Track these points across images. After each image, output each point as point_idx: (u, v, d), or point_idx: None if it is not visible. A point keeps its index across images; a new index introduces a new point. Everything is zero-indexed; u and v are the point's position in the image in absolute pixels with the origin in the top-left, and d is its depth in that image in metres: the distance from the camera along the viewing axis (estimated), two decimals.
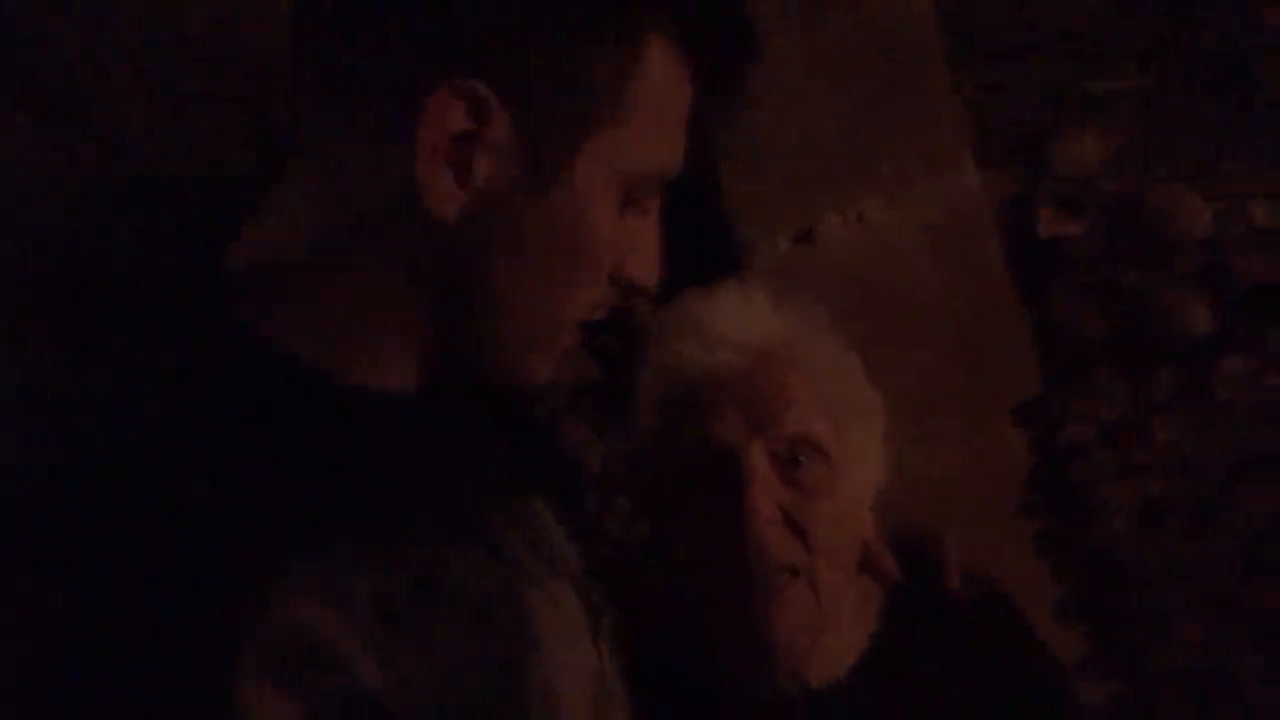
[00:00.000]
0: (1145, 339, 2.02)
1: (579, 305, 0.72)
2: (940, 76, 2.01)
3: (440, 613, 0.63)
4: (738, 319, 1.02)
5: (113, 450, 0.60)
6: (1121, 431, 1.97)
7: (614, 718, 0.78)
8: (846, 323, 1.96)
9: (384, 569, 0.61)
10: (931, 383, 1.96)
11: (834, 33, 1.98)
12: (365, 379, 0.68)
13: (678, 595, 1.11)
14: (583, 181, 0.67)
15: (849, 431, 1.01)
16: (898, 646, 1.06)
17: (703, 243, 2.00)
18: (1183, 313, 2.01)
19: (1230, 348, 1.99)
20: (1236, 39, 2.48)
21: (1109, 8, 2.46)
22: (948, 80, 2.01)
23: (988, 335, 2.00)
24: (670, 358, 1.02)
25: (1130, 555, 1.92)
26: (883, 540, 1.07)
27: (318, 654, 0.56)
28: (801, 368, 1.00)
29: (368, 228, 0.66)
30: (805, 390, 0.99)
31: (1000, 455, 1.99)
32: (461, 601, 0.65)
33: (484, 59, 0.64)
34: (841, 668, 1.05)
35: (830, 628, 1.02)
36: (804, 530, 0.97)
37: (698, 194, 2.03)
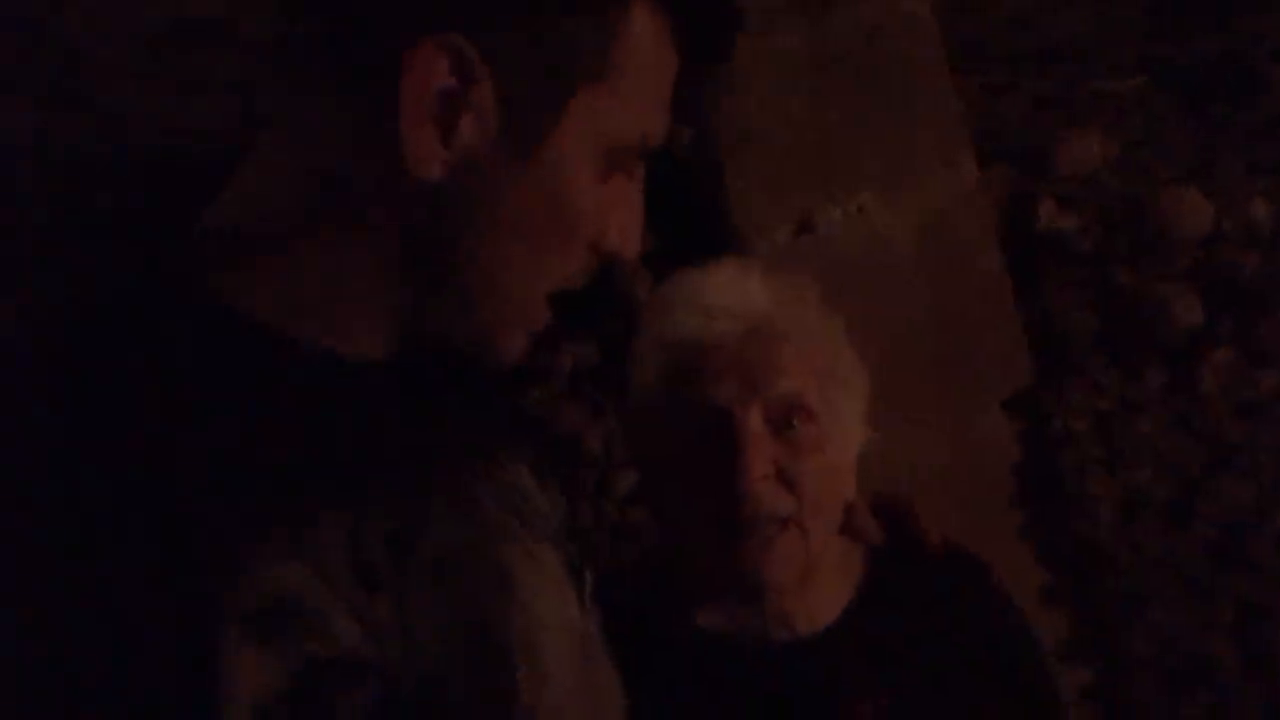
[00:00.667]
0: (1136, 333, 2.07)
1: (557, 274, 0.70)
2: (940, 74, 2.06)
3: (417, 572, 0.62)
4: (733, 291, 1.07)
5: (82, 417, 0.58)
6: (1109, 423, 2.02)
7: (598, 674, 0.78)
8: (842, 313, 2.03)
9: (360, 531, 0.60)
10: (924, 373, 2.01)
11: (837, 28, 2.03)
12: (338, 346, 0.67)
13: (672, 557, 1.16)
14: (565, 145, 0.66)
15: (836, 395, 1.07)
16: (878, 604, 1.12)
17: (702, 233, 2.06)
18: (1171, 307, 2.06)
19: (1218, 342, 2.04)
20: (1237, 41, 2.52)
21: (1110, 10, 2.51)
22: (947, 78, 2.06)
23: (981, 328, 2.05)
24: (669, 327, 1.07)
25: (1113, 543, 1.97)
26: (863, 504, 1.13)
27: (297, 616, 0.56)
28: (792, 336, 1.05)
29: (345, 191, 0.66)
30: (796, 357, 1.05)
31: (990, 445, 2.04)
32: (439, 560, 0.64)
33: (466, 16, 0.63)
34: (824, 620, 1.10)
35: (816, 578, 1.08)
36: (795, 484, 1.03)
37: (697, 184, 2.08)
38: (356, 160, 0.66)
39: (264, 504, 0.58)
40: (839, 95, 2.04)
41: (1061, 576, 1.97)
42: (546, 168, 0.66)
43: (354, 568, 0.59)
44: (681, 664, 1.10)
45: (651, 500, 1.14)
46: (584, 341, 2.15)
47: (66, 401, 0.59)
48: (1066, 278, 2.13)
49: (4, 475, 0.58)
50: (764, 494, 1.02)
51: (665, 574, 1.16)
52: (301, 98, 0.68)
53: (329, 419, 0.64)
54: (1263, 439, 1.98)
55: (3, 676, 0.53)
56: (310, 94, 0.67)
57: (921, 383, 2.01)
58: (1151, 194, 2.30)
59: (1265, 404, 2.01)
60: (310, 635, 0.56)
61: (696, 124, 2.13)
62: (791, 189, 2.03)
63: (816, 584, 1.09)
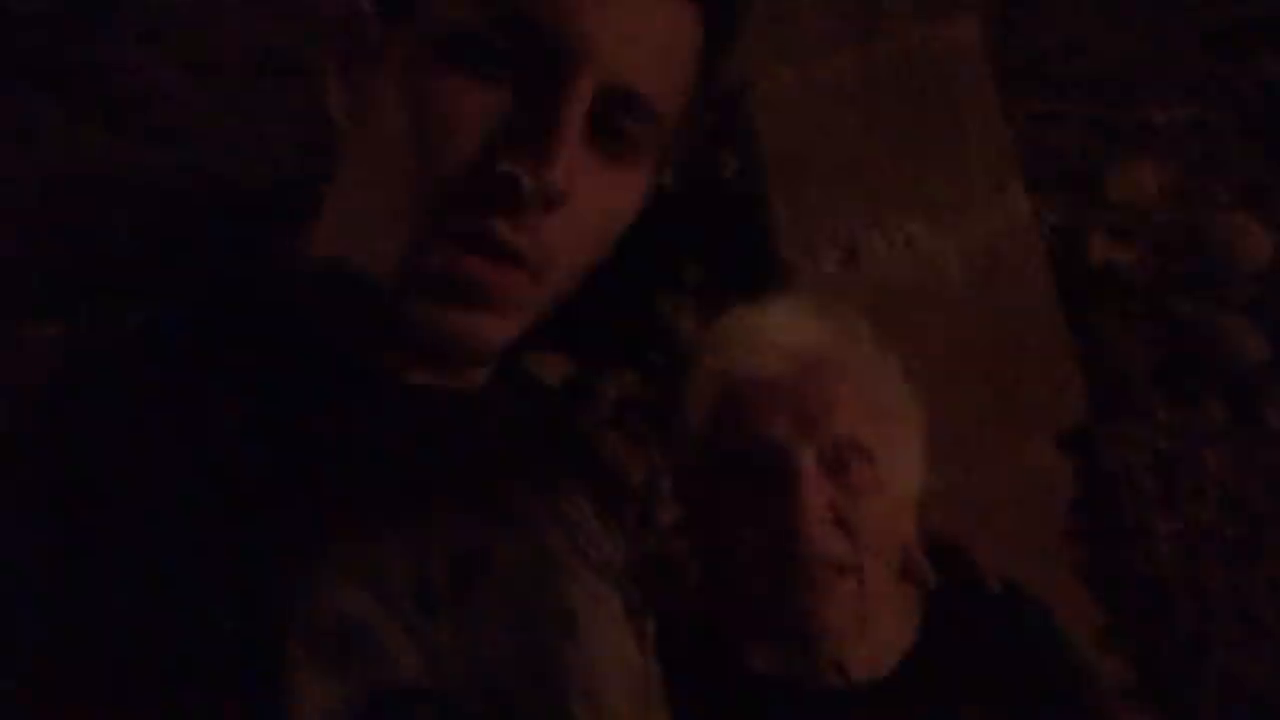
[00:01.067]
0: (1196, 367, 2.01)
1: (447, 206, 0.62)
2: (989, 101, 2.02)
3: (480, 602, 0.63)
4: (786, 329, 1.05)
5: (169, 435, 0.59)
6: (1170, 460, 1.96)
7: (656, 717, 0.78)
8: (889, 345, 1.99)
9: (425, 558, 0.61)
10: (975, 406, 1.96)
11: (884, 55, 2.00)
12: (410, 374, 0.67)
13: (719, 598, 1.12)
14: (414, 47, 0.62)
15: (892, 435, 1.04)
16: (938, 650, 1.08)
17: (748, 262, 2.02)
18: (1235, 341, 2.00)
19: None
20: None
21: (1168, 38, 2.47)
22: (996, 105, 2.02)
23: (1033, 361, 2.00)
24: (722, 364, 1.05)
25: (1177, 584, 1.91)
26: (920, 547, 1.09)
27: (360, 640, 0.56)
28: (847, 374, 1.03)
29: None
30: (851, 396, 1.02)
31: (1045, 481, 1.98)
32: (502, 592, 0.64)
33: None
34: (884, 667, 1.07)
35: (873, 624, 1.04)
36: (852, 529, 1.00)
37: (743, 213, 2.05)
38: None
39: (332, 526, 0.58)
40: (886, 122, 2.00)
41: (1121, 617, 1.91)
42: (402, 70, 0.64)
43: (417, 593, 0.59)
44: (733, 709, 1.06)
45: (701, 540, 1.10)
46: (627, 372, 2.12)
47: (150, 420, 0.59)
48: (1122, 310, 2.08)
49: (92, 487, 0.57)
50: (820, 538, 0.99)
51: (714, 614, 1.12)
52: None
53: (398, 444, 0.64)
54: None
55: (68, 685, 0.53)
56: None
57: (972, 416, 1.96)
58: (1208, 223, 2.25)
59: None
60: (372, 661, 0.56)
61: (743, 152, 2.10)
62: (838, 217, 1.99)
63: (874, 630, 1.05)
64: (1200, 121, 2.59)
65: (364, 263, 0.64)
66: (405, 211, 0.62)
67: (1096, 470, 1.96)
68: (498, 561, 0.65)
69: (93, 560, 0.54)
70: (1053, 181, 2.32)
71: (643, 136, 0.64)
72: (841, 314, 1.09)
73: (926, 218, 2.01)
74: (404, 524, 0.61)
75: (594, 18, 0.60)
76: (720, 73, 0.70)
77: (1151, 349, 2.04)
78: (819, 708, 1.05)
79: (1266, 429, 1.96)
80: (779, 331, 1.04)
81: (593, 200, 0.63)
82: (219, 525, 0.56)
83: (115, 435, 0.58)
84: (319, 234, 0.69)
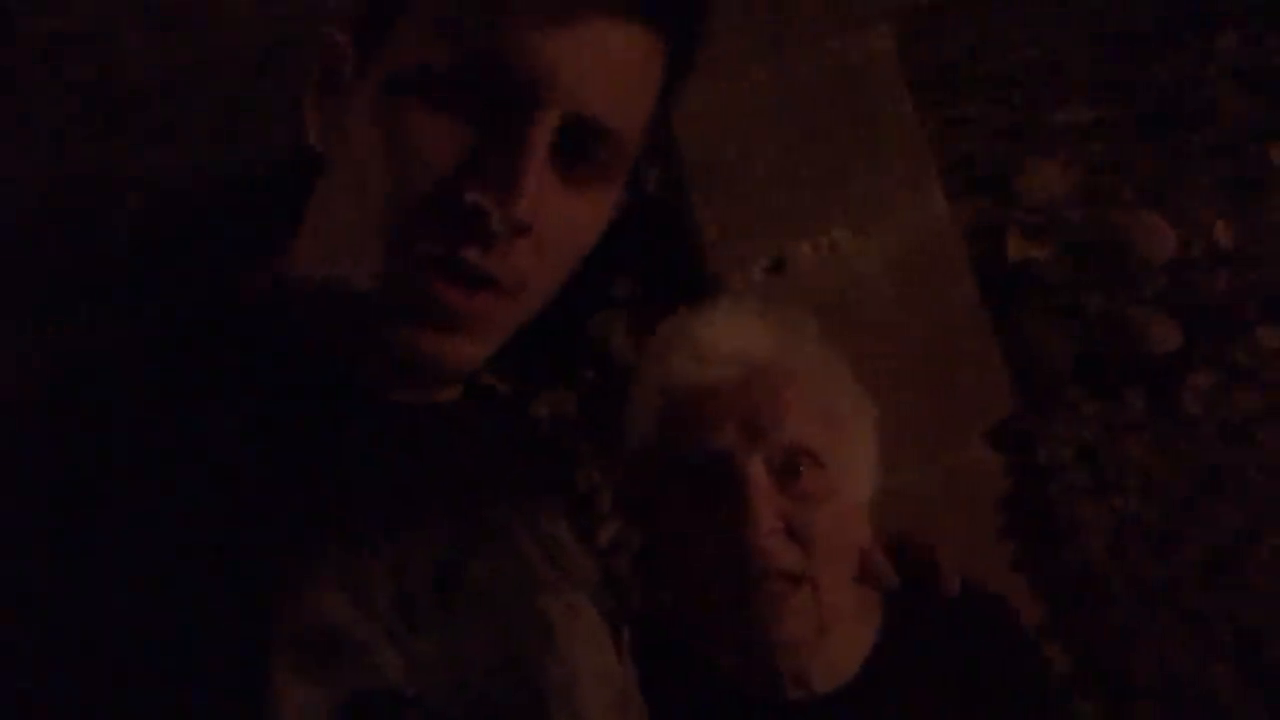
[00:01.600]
0: (1114, 359, 2.06)
1: (418, 233, 0.63)
2: (906, 108, 2.06)
3: (460, 613, 0.64)
4: (729, 333, 1.03)
5: (156, 445, 0.60)
6: (1095, 451, 2.00)
7: None
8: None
9: (406, 569, 0.62)
10: (905, 408, 1.98)
11: (803, 66, 2.02)
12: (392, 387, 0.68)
13: (672, 610, 1.11)
14: (386, 81, 0.64)
15: (844, 439, 1.03)
16: (899, 651, 1.07)
17: (675, 274, 2.03)
18: (1150, 332, 2.05)
19: (1197, 365, 2.03)
20: (1191, 67, 2.55)
21: (1067, 42, 2.53)
22: (913, 112, 2.06)
23: (959, 360, 2.03)
24: (664, 374, 1.03)
25: (1106, 572, 1.95)
26: (878, 548, 1.09)
27: (344, 647, 0.57)
28: (795, 378, 1.02)
29: None
30: (800, 400, 1.01)
31: (976, 478, 2.01)
32: (481, 603, 0.65)
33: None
34: (846, 673, 1.06)
35: (832, 633, 1.03)
36: (804, 537, 0.98)
37: (668, 224, 2.06)
38: None
39: (315, 534, 0.59)
40: (807, 132, 2.02)
41: (1057, 609, 1.94)
42: (376, 106, 0.66)
43: (398, 602, 0.60)
44: (707, 716, 1.05)
45: (652, 554, 1.09)
46: (560, 391, 2.11)
47: (137, 431, 0.60)
48: (1041, 307, 2.12)
49: (77, 486, 0.58)
50: (773, 550, 0.97)
51: (679, 626, 1.11)
52: None
53: (378, 457, 0.66)
54: (1249, 459, 1.97)
55: (52, 685, 0.53)
56: None
57: (903, 417, 1.97)
58: (1116, 220, 2.31)
59: (1249, 423, 2.00)
60: (355, 667, 0.57)
61: (665, 164, 2.10)
62: (763, 227, 2.01)
63: (833, 637, 1.04)
64: (1100, 122, 2.66)
65: (340, 286, 0.65)
66: (377, 237, 0.63)
67: (1027, 465, 2.00)
68: (476, 573, 0.66)
69: (78, 563, 0.55)
70: (966, 184, 2.37)
71: (609, 160, 0.67)
72: (786, 315, 1.07)
73: (850, 224, 2.03)
74: (385, 535, 0.62)
75: (557, 51, 0.62)
76: (680, 91, 0.71)
77: (1070, 343, 2.09)
78: (788, 716, 1.04)
79: (1184, 416, 2.01)
80: (722, 336, 1.02)
81: (561, 223, 0.65)
82: (204, 531, 0.56)
83: (104, 444, 0.59)
84: (299, 253, 0.69)
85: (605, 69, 0.64)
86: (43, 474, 0.57)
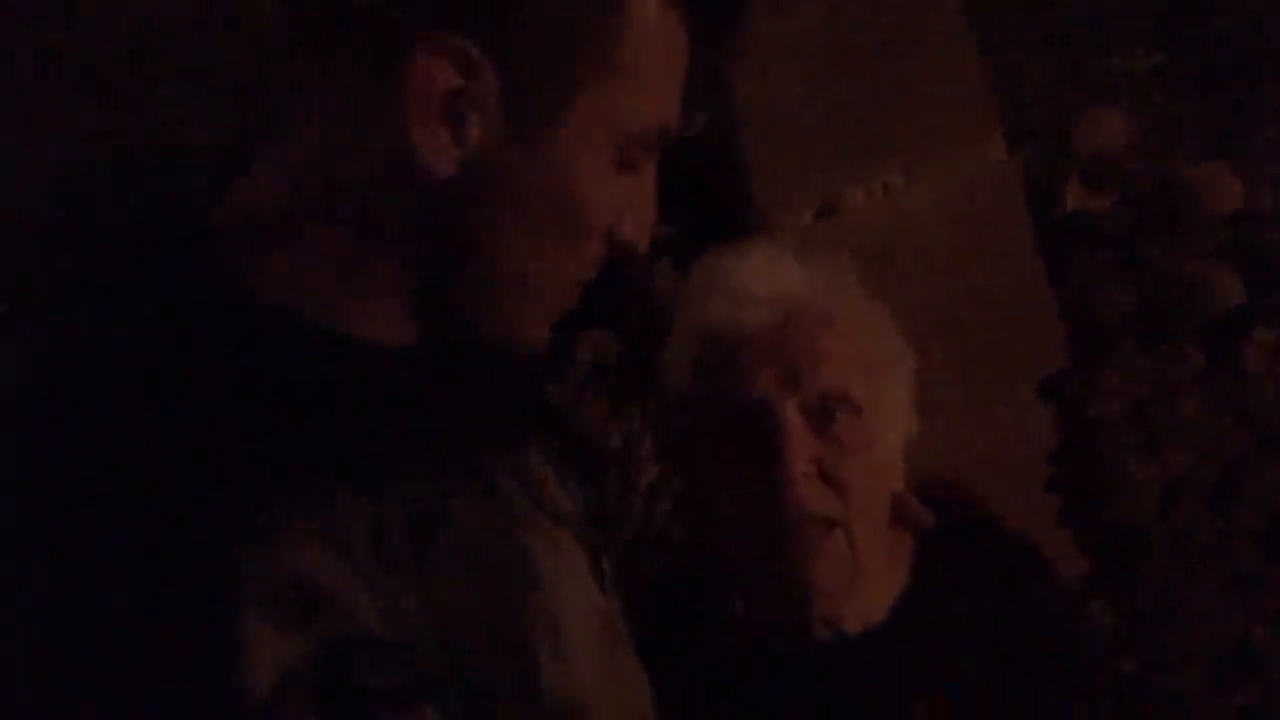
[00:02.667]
0: (1172, 314, 2.02)
1: (572, 264, 0.71)
2: (965, 48, 2.00)
3: (438, 554, 0.63)
4: (767, 276, 1.03)
5: (110, 400, 0.60)
6: (1148, 406, 1.96)
7: (622, 659, 0.78)
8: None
9: (381, 512, 0.61)
10: (953, 356, 1.95)
11: (857, 4, 1.97)
12: (361, 331, 0.67)
13: (706, 554, 1.11)
14: (574, 137, 0.66)
15: (881, 384, 1.03)
16: (930, 594, 1.08)
17: (723, 218, 2.00)
18: (1211, 286, 2.00)
19: (1258, 321, 1.98)
20: (1258, 15, 2.47)
21: None
22: (973, 52, 2.00)
23: (1012, 310, 1.99)
24: (701, 317, 1.03)
25: (1154, 530, 1.92)
26: (912, 491, 1.08)
27: (316, 597, 0.56)
28: (832, 322, 1.01)
29: (360, 184, 0.66)
30: (837, 345, 1.00)
31: (1024, 430, 1.98)
32: (459, 543, 0.65)
33: (468, 11, 0.63)
34: (876, 616, 1.06)
35: (865, 577, 1.03)
36: (839, 482, 0.99)
37: (717, 166, 2.03)
38: (367, 155, 0.66)
39: (286, 485, 0.58)
40: (861, 73, 1.97)
41: (1101, 565, 1.92)
42: (558, 159, 0.66)
43: (375, 550, 0.59)
44: (729, 665, 1.06)
45: (689, 500, 1.09)
46: (602, 334, 2.10)
47: (93, 387, 0.61)
48: (1098, 259, 2.07)
49: (36, 451, 0.59)
50: (807, 495, 0.97)
51: (708, 573, 1.11)
52: (315, 91, 0.68)
53: (350, 402, 0.65)
54: None
55: (20, 636, 0.55)
56: (324, 88, 0.67)
57: (951, 366, 1.95)
58: (1178, 171, 2.25)
59: None
60: (331, 616, 0.56)
61: (715, 107, 2.07)
62: (814, 170, 1.97)
63: (865, 582, 1.04)
64: (1164, 70, 2.59)
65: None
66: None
67: (1076, 418, 1.96)
68: (455, 515, 0.65)
69: (48, 521, 0.56)
70: (1024, 132, 2.31)
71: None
72: (826, 259, 1.06)
73: (904, 168, 1.99)
74: (361, 482, 0.61)
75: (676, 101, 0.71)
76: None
77: (1127, 296, 2.04)
78: (811, 662, 1.05)
79: (1243, 372, 1.97)
80: (759, 279, 1.02)
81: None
82: (173, 487, 0.57)
83: (68, 404, 0.60)
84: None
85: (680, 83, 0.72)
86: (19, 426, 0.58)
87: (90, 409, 0.60)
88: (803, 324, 1.00)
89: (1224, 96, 2.53)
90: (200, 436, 0.58)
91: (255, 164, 0.70)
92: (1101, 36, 2.59)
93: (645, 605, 0.83)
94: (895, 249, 1.96)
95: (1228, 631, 1.91)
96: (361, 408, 0.65)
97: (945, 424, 1.96)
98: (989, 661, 1.04)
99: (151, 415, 0.59)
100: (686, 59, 0.71)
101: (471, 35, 0.62)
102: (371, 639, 0.57)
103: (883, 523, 1.04)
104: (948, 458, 1.93)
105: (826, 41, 1.97)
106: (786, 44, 1.96)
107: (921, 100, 1.98)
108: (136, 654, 0.54)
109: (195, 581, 0.55)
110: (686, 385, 1.03)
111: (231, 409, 0.60)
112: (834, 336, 1.00)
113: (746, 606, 1.07)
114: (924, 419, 1.93)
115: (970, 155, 2.00)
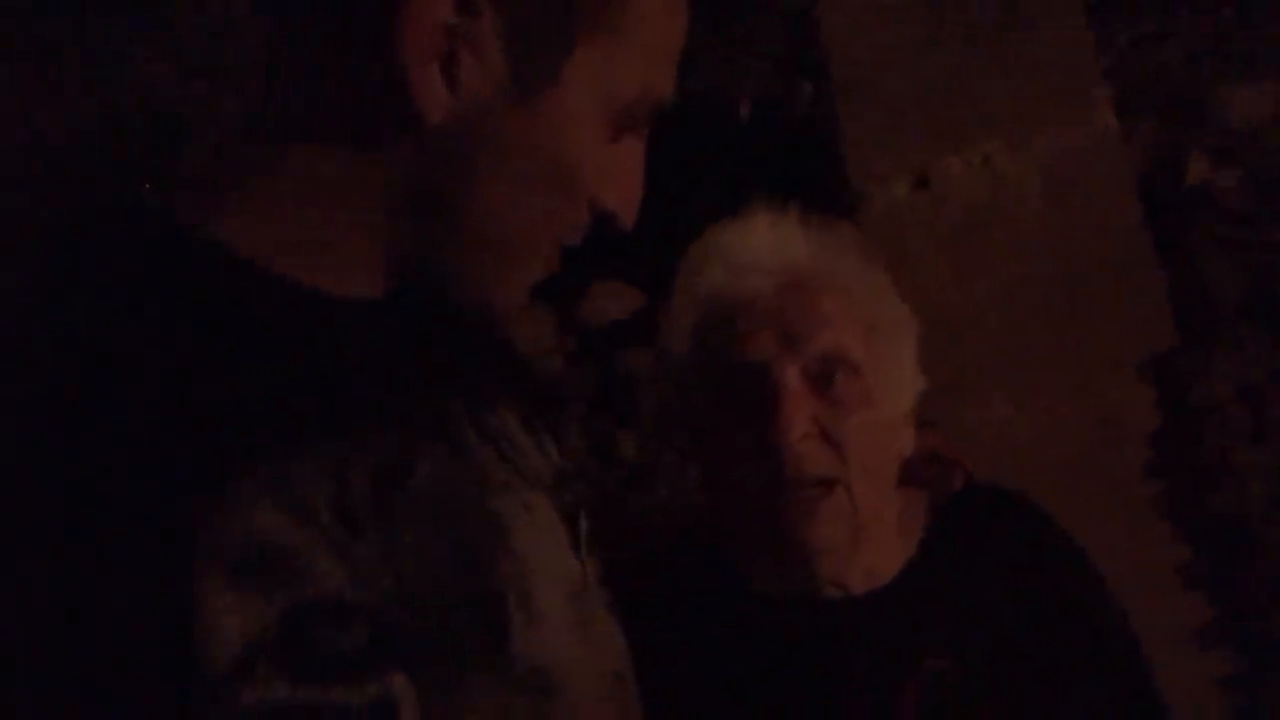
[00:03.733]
0: None
1: (555, 229, 0.70)
2: (1072, 13, 1.92)
3: (405, 514, 0.61)
4: (766, 243, 1.04)
5: (66, 356, 0.59)
6: (1259, 392, 1.86)
7: (595, 622, 0.76)
8: (965, 273, 1.92)
9: (345, 472, 0.59)
10: (1053, 334, 1.89)
11: None
12: (326, 284, 0.66)
13: (717, 518, 1.12)
14: (568, 97, 0.65)
15: (882, 347, 1.02)
16: (940, 560, 1.07)
17: (818, 189, 1.97)
18: None
19: None
20: None
21: None
22: (1080, 17, 1.92)
23: (1117, 286, 1.91)
24: (700, 286, 1.05)
25: (1261, 522, 1.82)
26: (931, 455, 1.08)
27: (276, 560, 0.55)
28: (832, 286, 1.02)
29: (339, 128, 0.65)
30: (837, 308, 1.00)
31: (1125, 413, 1.90)
32: (427, 503, 0.63)
33: None
34: (884, 577, 1.06)
35: (870, 538, 1.03)
36: (838, 443, 0.99)
37: (813, 139, 2.00)
38: (350, 96, 0.64)
39: (249, 445, 0.56)
40: (961, 39, 1.92)
41: (1201, 556, 1.83)
42: (549, 120, 0.66)
43: (338, 507, 0.58)
44: (736, 625, 1.07)
45: (693, 461, 1.10)
46: (622, 287, 2.06)
47: (49, 342, 0.60)
48: (1216, 236, 1.96)
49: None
50: (806, 454, 0.98)
51: (714, 534, 1.12)
52: (299, 31, 0.66)
53: (317, 359, 0.63)
54: None
55: None
56: (308, 27, 0.66)
57: (1050, 345, 1.89)
58: None
59: None
60: (292, 579, 0.55)
61: (813, 76, 2.05)
62: (911, 139, 1.93)
63: (873, 541, 1.04)
64: None
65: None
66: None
67: (1180, 402, 1.87)
68: (421, 474, 0.63)
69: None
70: (1153, 103, 2.21)
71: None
72: (827, 224, 1.06)
73: (1005, 138, 1.93)
74: (322, 440, 0.59)
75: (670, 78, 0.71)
76: None
77: (1244, 277, 1.93)
78: (820, 619, 1.05)
79: None
80: (760, 247, 1.03)
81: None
82: (125, 449, 0.55)
83: (23, 362, 0.59)
84: None
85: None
86: None
87: (41, 362, 0.59)
88: (803, 288, 1.01)
89: None
90: (157, 392, 0.57)
91: (231, 109, 0.71)
92: (1244, 8, 2.45)
93: (646, 568, 0.84)
94: (993, 221, 1.91)
95: None
96: (326, 362, 0.63)
97: (1043, 406, 1.91)
98: (1002, 629, 1.02)
99: (107, 372, 0.57)
100: (685, 34, 0.71)
101: None
102: (339, 605, 0.56)
103: (888, 484, 1.04)
104: (1045, 441, 1.87)
105: (926, 10, 1.92)
106: (884, 10, 1.93)
107: (1024, 66, 1.92)
108: (86, 619, 0.52)
109: (150, 545, 0.53)
110: (687, 350, 1.04)
111: (190, 363, 0.59)
112: (833, 301, 1.00)
113: (751, 567, 1.07)
114: (1021, 400, 1.89)
115: (1075, 122, 1.92)
